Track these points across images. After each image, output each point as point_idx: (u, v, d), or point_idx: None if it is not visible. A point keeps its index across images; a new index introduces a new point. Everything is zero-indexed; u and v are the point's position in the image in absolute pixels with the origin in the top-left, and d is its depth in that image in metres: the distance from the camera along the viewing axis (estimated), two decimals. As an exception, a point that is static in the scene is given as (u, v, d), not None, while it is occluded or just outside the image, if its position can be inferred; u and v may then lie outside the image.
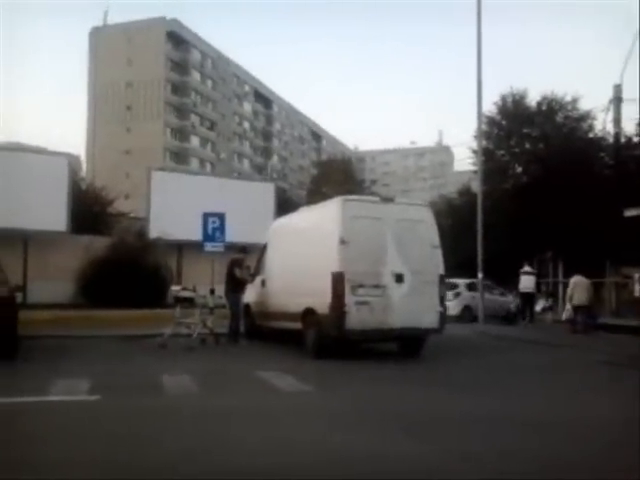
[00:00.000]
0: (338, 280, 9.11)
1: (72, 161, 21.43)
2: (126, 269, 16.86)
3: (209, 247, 13.85)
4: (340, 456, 4.27)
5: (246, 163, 78.05)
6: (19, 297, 10.70)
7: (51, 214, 17.67)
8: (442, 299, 9.94)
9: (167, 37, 66.12)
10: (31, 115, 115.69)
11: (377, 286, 9.33)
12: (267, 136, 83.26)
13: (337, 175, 41.01)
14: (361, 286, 9.22)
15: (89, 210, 21.54)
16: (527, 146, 33.86)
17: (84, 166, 50.53)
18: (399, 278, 9.42)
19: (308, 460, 4.15)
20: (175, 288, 12.91)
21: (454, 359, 10.12)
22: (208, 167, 69.27)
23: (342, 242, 9.25)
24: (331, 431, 4.95)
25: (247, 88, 78.95)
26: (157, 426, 5.11)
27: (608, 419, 5.57)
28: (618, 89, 25.72)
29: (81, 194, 22.09)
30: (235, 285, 11.88)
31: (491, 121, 33.54)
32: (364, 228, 9.44)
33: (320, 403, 6.26)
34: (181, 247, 19.31)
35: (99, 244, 18.12)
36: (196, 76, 70.52)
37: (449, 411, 5.82)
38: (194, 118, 69.30)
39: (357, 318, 9.08)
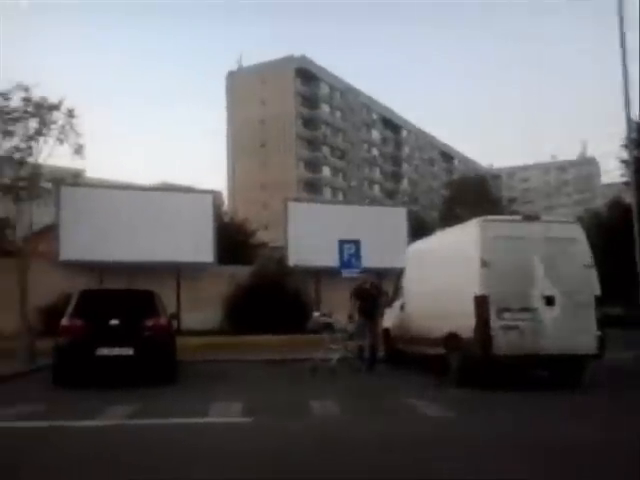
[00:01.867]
0: (482, 303, 8.71)
1: (216, 197, 22.90)
2: (268, 296, 17.54)
3: (346, 273, 14.03)
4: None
5: (377, 189, 78.74)
6: (174, 325, 11.54)
7: (199, 247, 18.96)
8: (599, 322, 9.08)
9: (296, 74, 69.23)
10: (177, 157, 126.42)
11: (526, 309, 8.77)
12: (396, 161, 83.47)
13: (471, 195, 39.75)
14: (507, 309, 8.72)
15: (232, 241, 22.81)
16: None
17: (226, 201, 53.96)
18: (549, 300, 8.79)
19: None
20: (315, 314, 13.13)
21: (615, 388, 9.16)
22: (340, 195, 70.82)
23: (484, 264, 8.85)
24: (483, 461, 4.63)
25: (375, 116, 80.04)
26: (308, 448, 5.11)
27: None
28: None
29: (225, 227, 23.50)
30: (370, 310, 11.71)
31: (641, 127, 30.69)
32: (507, 249, 8.97)
33: (468, 431, 5.91)
34: (318, 273, 19.73)
35: (243, 273, 19.07)
36: (325, 108, 72.91)
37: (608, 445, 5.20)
38: (325, 149, 71.49)
39: (504, 343, 8.58)
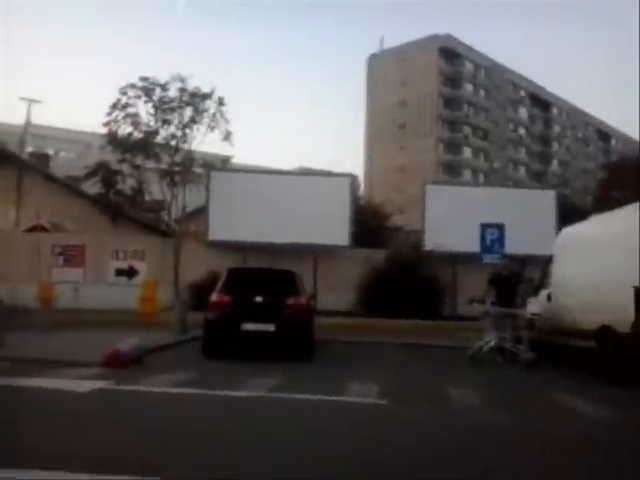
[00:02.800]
0: (642, 296, 7.88)
1: (353, 181, 23.06)
2: (402, 280, 17.37)
3: (487, 258, 13.48)
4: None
5: (522, 170, 74.59)
6: (313, 304, 11.85)
7: (335, 230, 19.28)
8: None
9: (439, 53, 67.36)
10: (316, 141, 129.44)
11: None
12: (545, 141, 78.30)
13: (631, 177, 36.06)
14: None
15: (368, 225, 22.88)
16: None
17: (362, 185, 54.33)
18: None
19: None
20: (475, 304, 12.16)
21: None
22: (481, 177, 68.12)
23: (646, 252, 7.97)
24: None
25: (523, 93, 75.64)
26: (443, 438, 4.96)
27: None
28: None
29: (360, 210, 23.62)
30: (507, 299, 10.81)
31: None
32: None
33: (618, 432, 5.37)
34: (455, 259, 19.16)
35: (377, 256, 19.07)
36: (468, 87, 70.27)
37: None
38: (466, 129, 69.03)
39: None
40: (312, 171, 30.93)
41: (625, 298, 8.04)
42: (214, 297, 10.06)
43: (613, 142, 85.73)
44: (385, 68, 68.16)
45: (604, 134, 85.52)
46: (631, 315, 7.99)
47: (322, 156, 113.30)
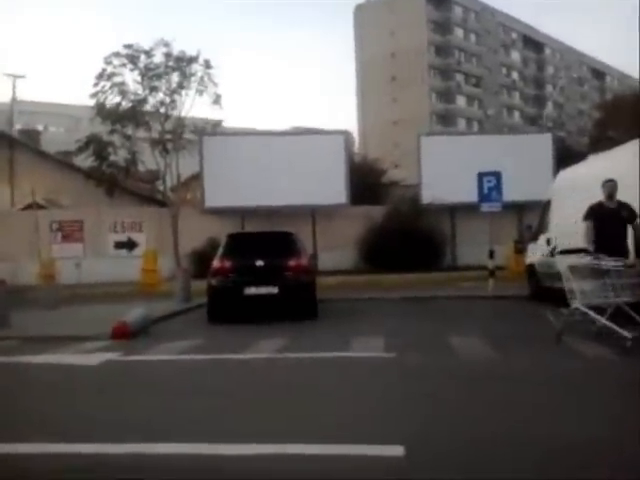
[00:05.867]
0: (640, 234, 7.82)
1: (347, 137, 22.86)
2: (401, 235, 17.46)
3: (486, 207, 13.44)
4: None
5: (516, 116, 73.70)
6: (314, 265, 11.91)
7: (332, 188, 19.23)
8: None
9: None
10: (307, 99, 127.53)
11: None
12: (539, 83, 77.14)
13: (627, 116, 35.67)
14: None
15: (364, 182, 22.80)
16: None
17: (357, 141, 53.74)
18: None
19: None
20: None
21: None
22: (475, 125, 67.37)
23: (646, 190, 7.90)
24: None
25: (514, 35, 74.07)
26: (449, 386, 5.04)
27: None
28: None
29: (356, 167, 23.49)
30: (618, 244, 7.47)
31: None
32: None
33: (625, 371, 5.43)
34: (454, 210, 19.15)
35: (376, 213, 19.10)
36: (459, 33, 68.80)
37: None
38: (459, 77, 67.89)
39: None
40: (305, 130, 30.59)
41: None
42: (215, 263, 10.10)
43: (608, 80, 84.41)
44: (373, 18, 66.50)
45: (599, 72, 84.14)
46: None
47: (315, 114, 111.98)
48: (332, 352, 6.67)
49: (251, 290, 9.66)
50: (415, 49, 64.17)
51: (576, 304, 6.65)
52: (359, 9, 70.00)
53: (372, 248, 18.46)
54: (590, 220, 7.52)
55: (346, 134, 22.46)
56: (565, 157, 21.09)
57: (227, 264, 9.96)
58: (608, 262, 6.59)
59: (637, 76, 77.10)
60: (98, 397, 5.14)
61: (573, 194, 10.38)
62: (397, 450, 3.31)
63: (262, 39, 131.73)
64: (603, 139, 33.13)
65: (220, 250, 10.43)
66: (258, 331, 8.74)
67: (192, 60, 19.38)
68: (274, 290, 9.64)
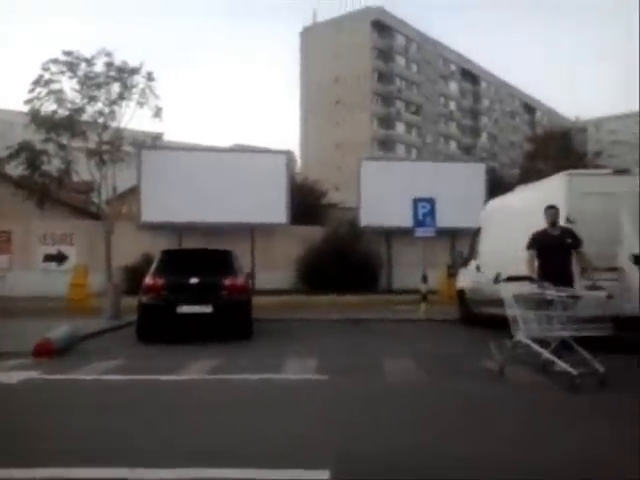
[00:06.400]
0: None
1: (289, 157, 23.00)
2: (339, 257, 17.69)
3: (420, 232, 13.78)
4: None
5: (453, 145, 76.34)
6: (250, 284, 11.84)
7: (273, 208, 19.26)
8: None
9: (372, 26, 67.28)
10: (251, 118, 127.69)
11: (612, 269, 8.28)
12: (475, 114, 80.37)
13: (555, 149, 37.70)
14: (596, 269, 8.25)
15: (305, 202, 22.96)
16: None
17: (299, 161, 54.17)
18: (638, 260, 8.25)
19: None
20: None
21: None
22: (414, 152, 69.27)
23: (568, 222, 8.39)
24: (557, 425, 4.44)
25: (453, 67, 77.04)
26: (373, 409, 5.11)
27: None
28: None
29: (297, 188, 23.63)
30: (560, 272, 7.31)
31: None
32: (594, 205, 8.46)
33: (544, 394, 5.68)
34: (390, 234, 19.56)
35: (315, 234, 19.26)
36: (401, 62, 70.84)
37: None
38: (399, 104, 69.80)
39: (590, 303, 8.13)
40: (248, 148, 30.58)
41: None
42: (148, 280, 9.87)
43: (538, 115, 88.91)
44: (319, 42, 67.69)
45: (530, 107, 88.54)
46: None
47: (259, 133, 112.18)
48: (264, 374, 6.63)
49: (184, 308, 9.49)
50: (359, 74, 65.64)
51: (519, 336, 6.26)
52: (306, 31, 71.14)
53: (310, 269, 18.59)
54: (534, 248, 7.36)
55: (288, 154, 22.59)
56: (497, 187, 22.05)
57: (159, 281, 9.76)
58: (553, 292, 6.25)
59: (564, 113, 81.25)
60: (12, 417, 4.90)
61: (500, 223, 10.85)
62: (323, 474, 3.33)
63: (210, 55, 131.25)
64: (532, 171, 34.80)
65: (153, 266, 10.21)
66: (190, 351, 8.58)
67: (134, 71, 19.05)
68: (208, 309, 9.51)
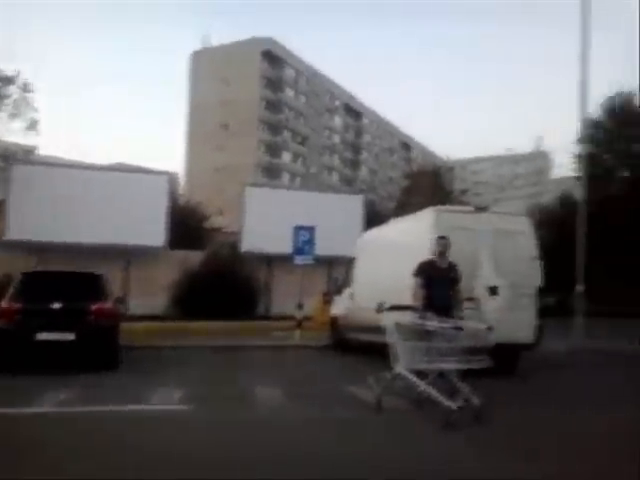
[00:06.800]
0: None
1: (171, 179, 22.49)
2: (218, 282, 17.41)
3: (299, 260, 13.98)
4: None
5: (335, 176, 78.75)
6: (122, 309, 11.28)
7: (151, 230, 18.63)
8: (539, 312, 9.35)
9: (262, 56, 68.25)
10: (136, 138, 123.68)
11: (470, 299, 8.88)
12: (357, 149, 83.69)
13: (427, 186, 40.26)
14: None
15: (186, 226, 22.49)
16: (635, 149, 31.78)
17: (182, 183, 53.07)
18: (493, 291, 8.95)
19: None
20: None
21: (548, 375, 9.47)
22: (298, 181, 70.55)
23: (434, 254, 8.91)
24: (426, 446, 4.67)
25: (338, 102, 79.90)
26: (240, 436, 5.05)
27: None
28: None
29: (179, 210, 23.12)
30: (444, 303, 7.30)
31: (595, 124, 31.71)
32: (458, 239, 9.03)
33: (408, 418, 5.94)
34: (271, 260, 19.64)
35: (194, 258, 18.83)
36: (290, 92, 72.32)
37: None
38: (286, 133, 71.03)
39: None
40: (128, 167, 29.47)
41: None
42: (3, 304, 9.06)
43: (414, 153, 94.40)
44: (209, 66, 67.39)
45: (406, 145, 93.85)
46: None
47: (142, 153, 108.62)
48: (123, 405, 6.32)
49: (43, 335, 8.79)
50: (247, 101, 66.05)
51: (399, 368, 6.01)
52: (196, 55, 70.57)
53: (187, 294, 18.07)
54: (421, 277, 7.20)
55: (170, 175, 22.09)
56: (374, 218, 23.03)
57: (16, 305, 8.99)
58: (435, 323, 6.04)
59: (437, 152, 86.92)
60: None
61: (374, 253, 11.32)
62: None
63: (98, 69, 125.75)
64: (408, 205, 36.81)
65: (11, 290, 9.42)
66: (47, 381, 7.94)
67: (9, 81, 17.78)
68: (70, 336, 8.87)
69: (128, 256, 18.32)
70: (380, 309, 6.48)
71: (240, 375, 9.10)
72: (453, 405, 5.46)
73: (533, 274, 9.39)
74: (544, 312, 9.47)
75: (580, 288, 16.09)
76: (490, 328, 6.04)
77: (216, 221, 28.91)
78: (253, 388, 7.48)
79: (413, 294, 7.07)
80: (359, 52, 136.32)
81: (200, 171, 63.53)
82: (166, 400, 6.64)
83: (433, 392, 5.74)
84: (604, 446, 5.02)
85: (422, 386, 5.94)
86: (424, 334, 6.02)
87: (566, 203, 33.47)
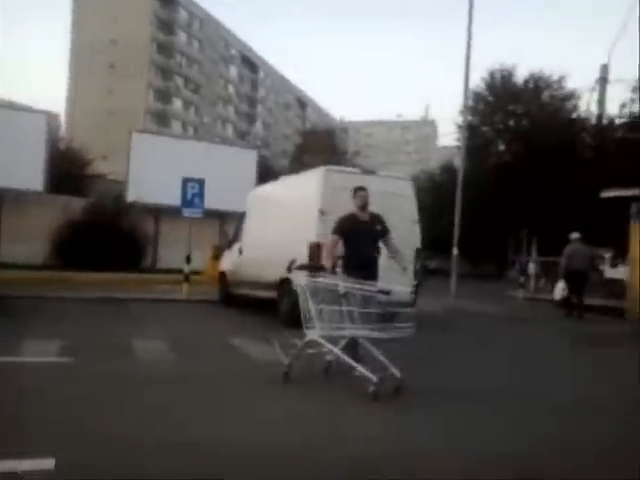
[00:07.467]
0: (315, 251, 9.06)
1: (51, 119, 20.93)
2: (101, 232, 16.74)
3: (187, 213, 13.76)
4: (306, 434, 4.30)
5: (230, 129, 77.03)
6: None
7: (28, 173, 17.36)
8: (417, 273, 9.99)
9: (154, -5, 64.35)
10: (13, 71, 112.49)
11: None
12: (252, 102, 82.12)
13: (320, 145, 40.74)
14: (338, 257, 9.19)
15: (67, 170, 21.20)
16: (511, 123, 34.06)
17: (63, 125, 49.51)
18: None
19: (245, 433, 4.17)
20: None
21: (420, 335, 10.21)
22: (190, 131, 68.27)
23: (322, 213, 9.21)
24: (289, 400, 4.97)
25: (234, 52, 77.46)
26: (120, 390, 5.09)
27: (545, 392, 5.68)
28: (605, 69, 25.72)
29: (59, 154, 21.68)
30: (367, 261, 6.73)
31: (478, 96, 33.58)
32: (345, 200, 9.36)
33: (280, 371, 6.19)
34: (159, 211, 19.13)
35: (76, 205, 17.90)
36: (182, 37, 68.94)
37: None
38: (178, 80, 68.01)
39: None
40: (5, 103, 26.89)
41: (302, 253, 9.19)
42: None
43: (309, 111, 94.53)
44: (94, 1, 62.35)
45: (302, 102, 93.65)
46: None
47: (24, 91, 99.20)
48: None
49: None
50: (137, 42, 62.15)
51: (313, 334, 5.32)
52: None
53: (68, 243, 17.16)
54: (338, 234, 6.45)
55: (49, 115, 20.52)
56: (267, 174, 23.05)
57: None
58: (352, 285, 5.34)
59: (331, 113, 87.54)
60: None
61: (263, 209, 11.46)
62: (48, 463, 3.17)
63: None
64: (301, 163, 37.10)
65: None
66: None
67: None
68: None
69: (1, 199, 17.03)
70: (290, 268, 5.88)
71: (124, 328, 8.94)
72: (373, 377, 4.91)
73: (413, 236, 9.99)
74: (427, 273, 10.11)
75: (455, 251, 17.35)
76: (413, 293, 5.52)
77: (100, 167, 27.41)
78: (135, 341, 7.42)
79: (329, 253, 6.38)
80: (257, 5, 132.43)
81: (84, 114, 59.41)
82: (45, 352, 6.42)
83: (351, 361, 5.18)
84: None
85: (339, 354, 5.36)
86: (339, 297, 5.36)
87: (447, 171, 35.40)
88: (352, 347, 5.54)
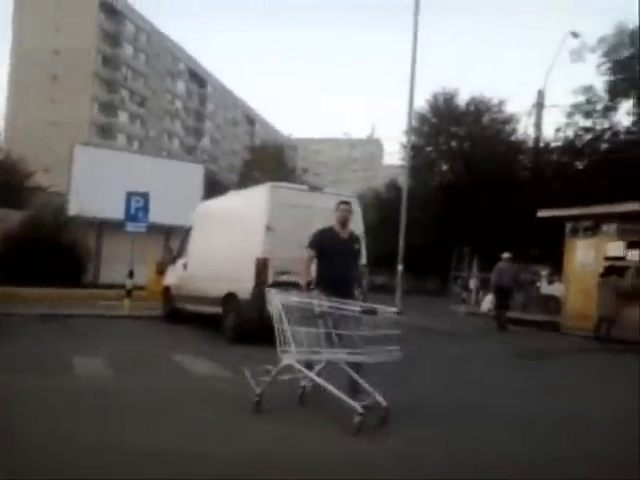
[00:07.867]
0: (262, 266, 9.13)
1: (-13, 129, 20.24)
2: (40, 246, 16.21)
3: (131, 227, 13.52)
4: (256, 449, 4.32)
5: (176, 143, 76.06)
6: None
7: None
8: (363, 289, 10.13)
9: (100, 6, 63.23)
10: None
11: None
12: (199, 116, 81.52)
13: (269, 161, 40.86)
14: (285, 273, 9.24)
15: (5, 182, 20.48)
16: (454, 145, 35.18)
17: (2, 136, 47.74)
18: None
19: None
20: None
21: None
22: (136, 144, 67.05)
23: (268, 229, 9.27)
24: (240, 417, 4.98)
25: (181, 66, 76.88)
26: (57, 407, 4.97)
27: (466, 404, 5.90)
28: (541, 95, 27.07)
29: (-4, 165, 20.94)
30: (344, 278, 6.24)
31: (422, 118, 34.53)
32: (291, 216, 9.46)
33: (229, 388, 6.18)
34: (102, 225, 18.70)
35: (13, 218, 17.30)
36: (128, 49, 67.97)
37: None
38: (124, 92, 66.84)
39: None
40: None
41: (248, 268, 9.21)
42: None
43: (257, 127, 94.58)
44: (37, 9, 60.73)
45: (250, 119, 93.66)
46: (252, 283, 9.19)
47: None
48: None
49: None
50: (81, 53, 60.79)
51: (289, 359, 4.83)
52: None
53: (4, 257, 16.53)
54: (314, 248, 5.85)
55: (-14, 126, 19.85)
56: (215, 189, 22.91)
57: None
58: (327, 303, 4.94)
59: (279, 130, 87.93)
60: None
61: (209, 224, 11.41)
62: None
63: None
64: (249, 179, 37.10)
65: None
66: None
67: None
68: None
69: None
70: (267, 286, 5.58)
71: (61, 345, 8.66)
72: (357, 406, 4.45)
73: (358, 253, 10.18)
74: (373, 289, 10.33)
75: (400, 267, 17.73)
76: (400, 313, 5.21)
77: (42, 179, 26.61)
78: (75, 358, 7.23)
79: (303, 268, 5.84)
80: (204, 18, 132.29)
81: (25, 124, 57.44)
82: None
83: (332, 389, 4.67)
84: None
85: (318, 381, 4.86)
86: (316, 318, 4.97)
87: (393, 189, 36.12)
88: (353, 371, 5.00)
